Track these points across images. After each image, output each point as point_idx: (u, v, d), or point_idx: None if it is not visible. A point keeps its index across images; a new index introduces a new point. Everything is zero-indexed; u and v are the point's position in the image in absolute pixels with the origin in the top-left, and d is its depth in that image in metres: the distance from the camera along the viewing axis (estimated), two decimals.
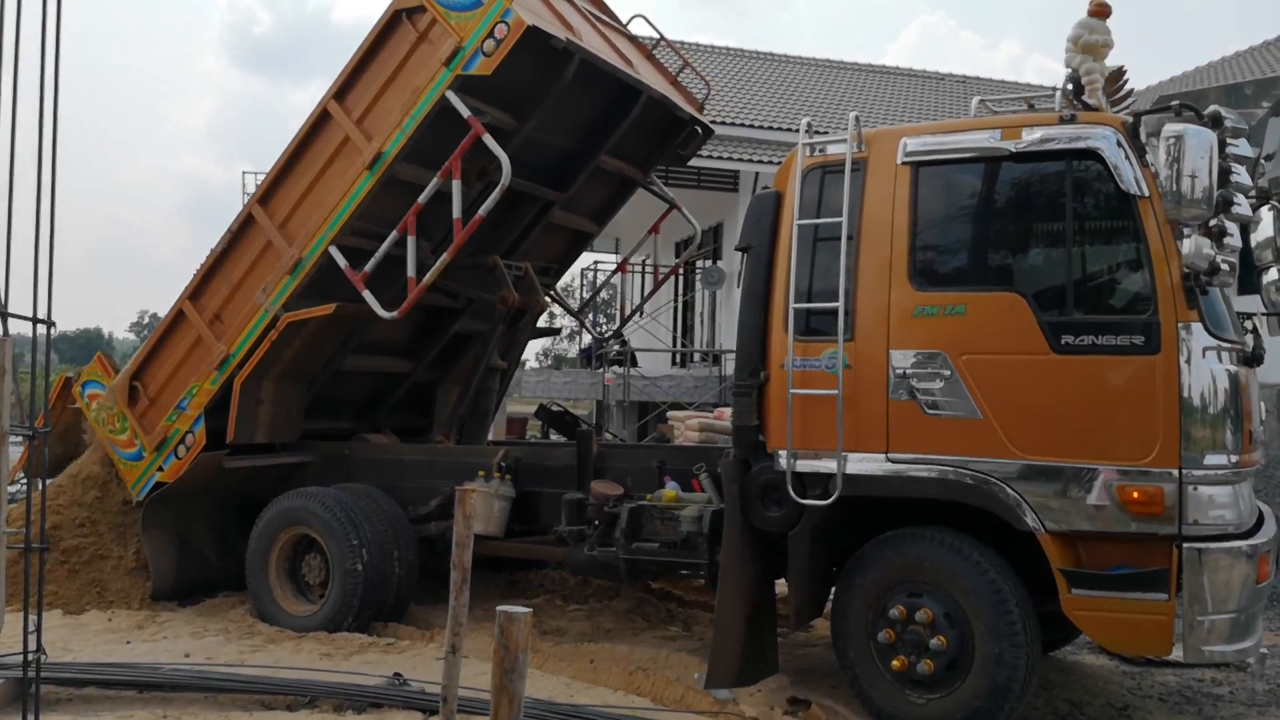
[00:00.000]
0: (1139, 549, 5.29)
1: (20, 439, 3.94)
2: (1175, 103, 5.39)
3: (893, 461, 5.74)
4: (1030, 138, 5.62)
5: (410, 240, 7.50)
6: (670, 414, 16.77)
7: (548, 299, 9.74)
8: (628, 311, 11.20)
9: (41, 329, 3.18)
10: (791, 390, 5.92)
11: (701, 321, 24.24)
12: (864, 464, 5.79)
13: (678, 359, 24.32)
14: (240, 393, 7.86)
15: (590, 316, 23.78)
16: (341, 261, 7.68)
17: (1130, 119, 5.50)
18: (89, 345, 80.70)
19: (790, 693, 6.27)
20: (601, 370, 20.22)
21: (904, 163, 5.89)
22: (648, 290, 10.44)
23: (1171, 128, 5.06)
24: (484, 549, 7.78)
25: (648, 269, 20.69)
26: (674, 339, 24.00)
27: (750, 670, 6.19)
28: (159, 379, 8.36)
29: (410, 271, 7.49)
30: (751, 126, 21.12)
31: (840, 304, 5.83)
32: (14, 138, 3.03)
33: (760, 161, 20.35)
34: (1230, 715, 6.45)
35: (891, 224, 5.85)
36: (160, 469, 8.22)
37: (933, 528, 5.73)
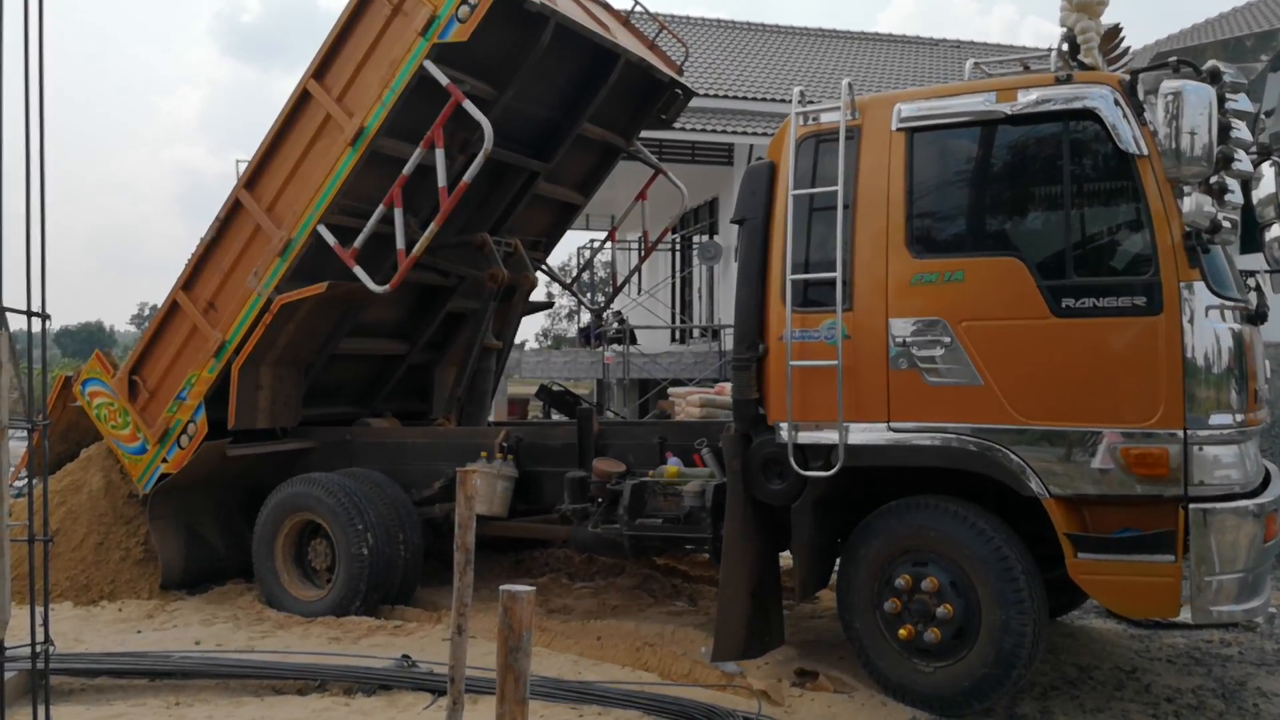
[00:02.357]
0: (1145, 511, 5.27)
1: (23, 433, 3.94)
2: (1173, 59, 5.33)
3: (895, 431, 5.71)
4: (1026, 99, 5.55)
5: (397, 213, 7.47)
6: (671, 390, 16.72)
7: (538, 274, 9.69)
8: (615, 287, 11.14)
9: (37, 322, 3.20)
10: (791, 362, 5.89)
11: (700, 297, 24.17)
12: (866, 434, 5.77)
13: (677, 335, 24.26)
14: (239, 378, 7.84)
15: (589, 295, 23.69)
16: (330, 239, 7.66)
17: (1127, 77, 5.43)
18: (90, 339, 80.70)
19: (797, 664, 6.28)
20: (601, 349, 20.15)
21: (899, 129, 5.83)
22: (611, 277, 10.44)
23: (1170, 84, 5.00)
24: (488, 529, 7.80)
25: (642, 245, 20.67)
26: (673, 315, 23.94)
27: (756, 643, 6.20)
28: (157, 371, 8.34)
29: (400, 245, 7.45)
30: (744, 99, 21.01)
31: (838, 274, 5.79)
32: (0, 135, 3.04)
33: (754, 133, 20.22)
34: (1239, 675, 6.45)
35: (887, 191, 5.80)
36: (164, 460, 8.21)
37: (937, 496, 5.72)
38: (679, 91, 9.28)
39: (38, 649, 3.19)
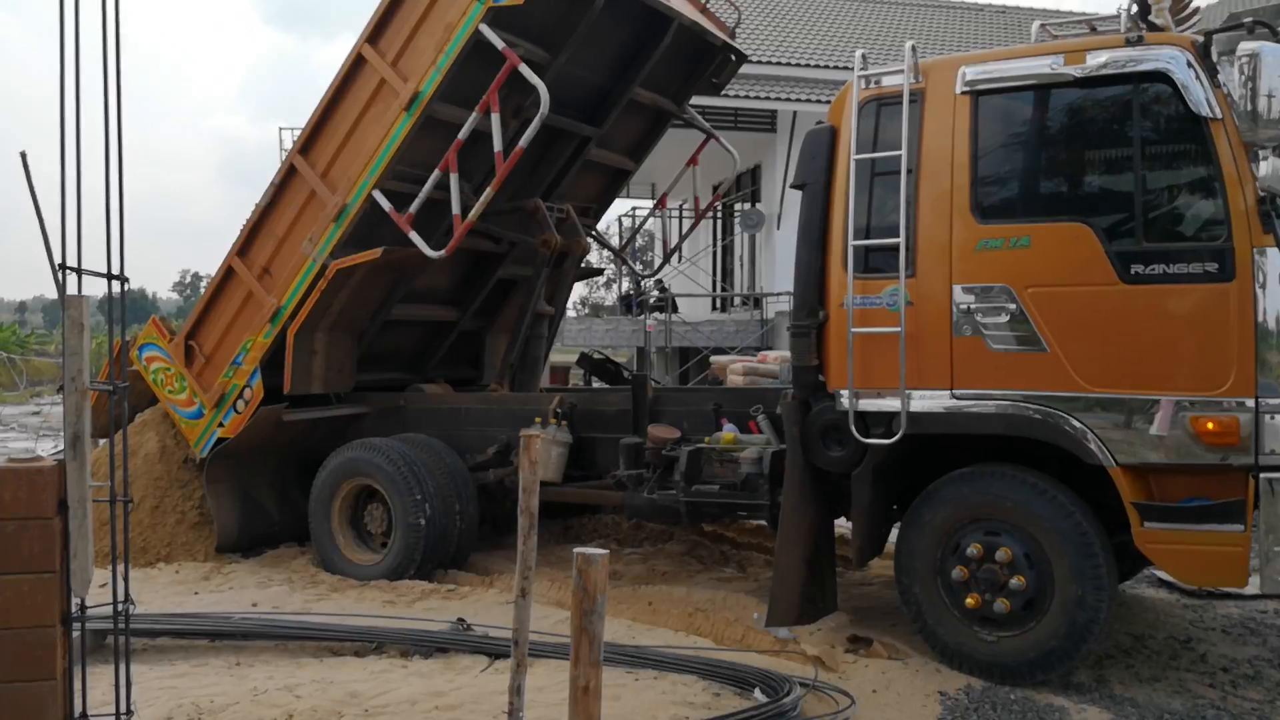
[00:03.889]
0: (1213, 480, 5.19)
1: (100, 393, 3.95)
2: (1248, 20, 5.22)
3: (958, 398, 5.65)
4: (1095, 62, 5.43)
5: (453, 178, 7.44)
6: (713, 359, 16.65)
7: (589, 240, 9.62)
8: (667, 254, 11.05)
9: (116, 285, 3.22)
10: (852, 329, 5.82)
11: (741, 265, 24.02)
12: (928, 401, 5.71)
13: (718, 304, 24.12)
14: (294, 344, 7.86)
15: (633, 263, 23.57)
16: (386, 205, 7.65)
17: (1200, 38, 5.30)
18: (134, 306, 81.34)
19: (850, 631, 6.25)
20: (642, 317, 20.08)
21: (963, 92, 5.73)
22: (662, 243, 10.33)
23: (1246, 46, 4.89)
24: (542, 495, 7.76)
25: (686, 212, 20.58)
26: (714, 283, 23.82)
27: (810, 610, 6.19)
28: (213, 337, 8.38)
29: (455, 209, 7.43)
30: (788, 65, 20.74)
31: (901, 239, 5.71)
32: (79, 92, 3.01)
33: (798, 100, 19.97)
34: None
35: (952, 156, 5.71)
36: (221, 425, 8.26)
37: (1010, 465, 5.63)
38: (731, 56, 9.17)
39: (119, 607, 3.22)
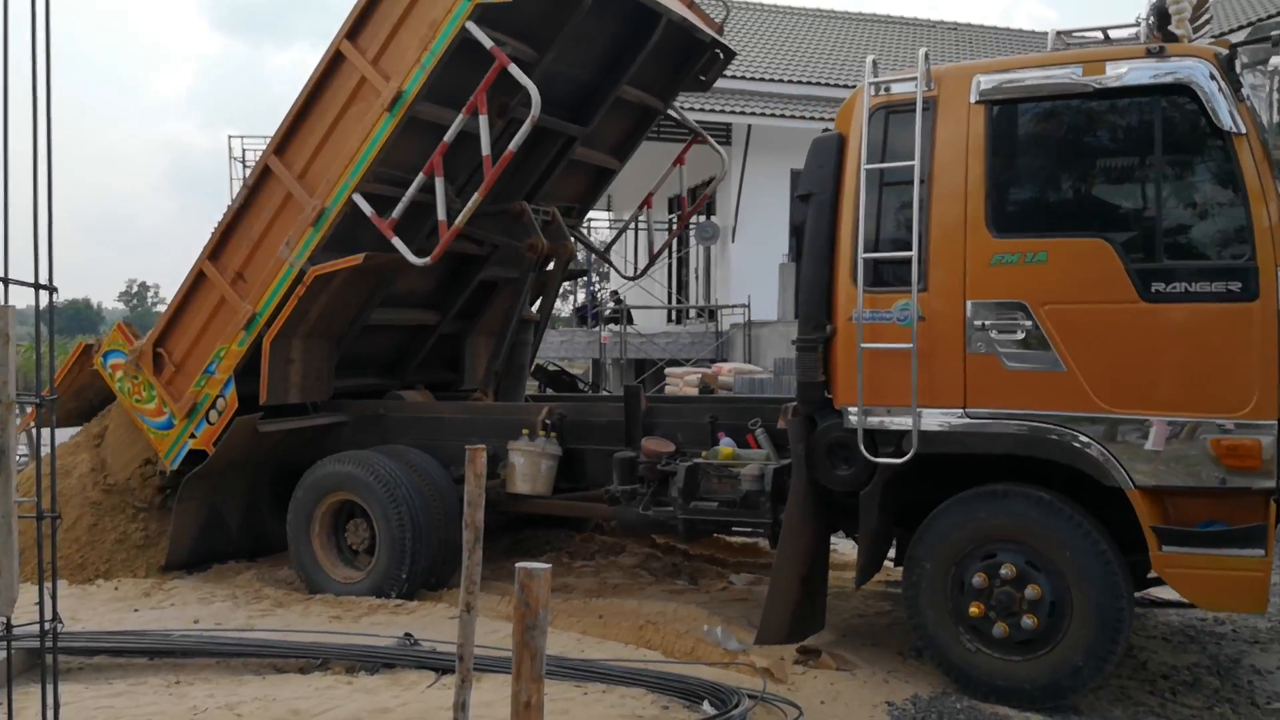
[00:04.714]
0: (1233, 504, 4.97)
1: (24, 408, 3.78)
2: (1275, 32, 4.94)
3: (971, 417, 5.32)
4: (1115, 72, 5.15)
5: (439, 182, 6.99)
6: (668, 370, 16.34)
7: (575, 243, 9.16)
8: (653, 256, 10.64)
9: (44, 295, 2.98)
10: (862, 344, 5.46)
11: (696, 277, 23.79)
12: (940, 420, 5.38)
13: (673, 315, 23.86)
14: (270, 352, 7.38)
15: (590, 277, 23.15)
16: (368, 209, 7.18)
17: (1224, 50, 5.02)
18: (78, 315, 79.32)
19: (800, 642, 6.03)
20: (598, 329, 19.70)
21: (978, 101, 5.41)
22: (649, 245, 9.92)
23: (1277, 60, 4.57)
24: (531, 508, 7.42)
25: (641, 225, 20.25)
26: (669, 295, 23.51)
27: (799, 629, 5.92)
28: (184, 344, 7.86)
29: (440, 215, 6.98)
30: (742, 78, 20.61)
31: (914, 253, 5.36)
32: (6, 100, 2.79)
33: (752, 113, 19.78)
34: (1234, 653, 6.31)
35: (966, 167, 5.40)
36: (193, 436, 7.76)
37: (1027, 485, 5.34)
38: (719, 53, 8.76)
39: (46, 627, 3.00)
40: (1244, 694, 5.63)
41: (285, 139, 7.56)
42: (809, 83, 22.18)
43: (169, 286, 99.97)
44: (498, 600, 6.83)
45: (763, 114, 20.06)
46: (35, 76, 2.84)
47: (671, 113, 9.26)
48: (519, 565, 3.17)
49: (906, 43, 25.85)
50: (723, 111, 19.28)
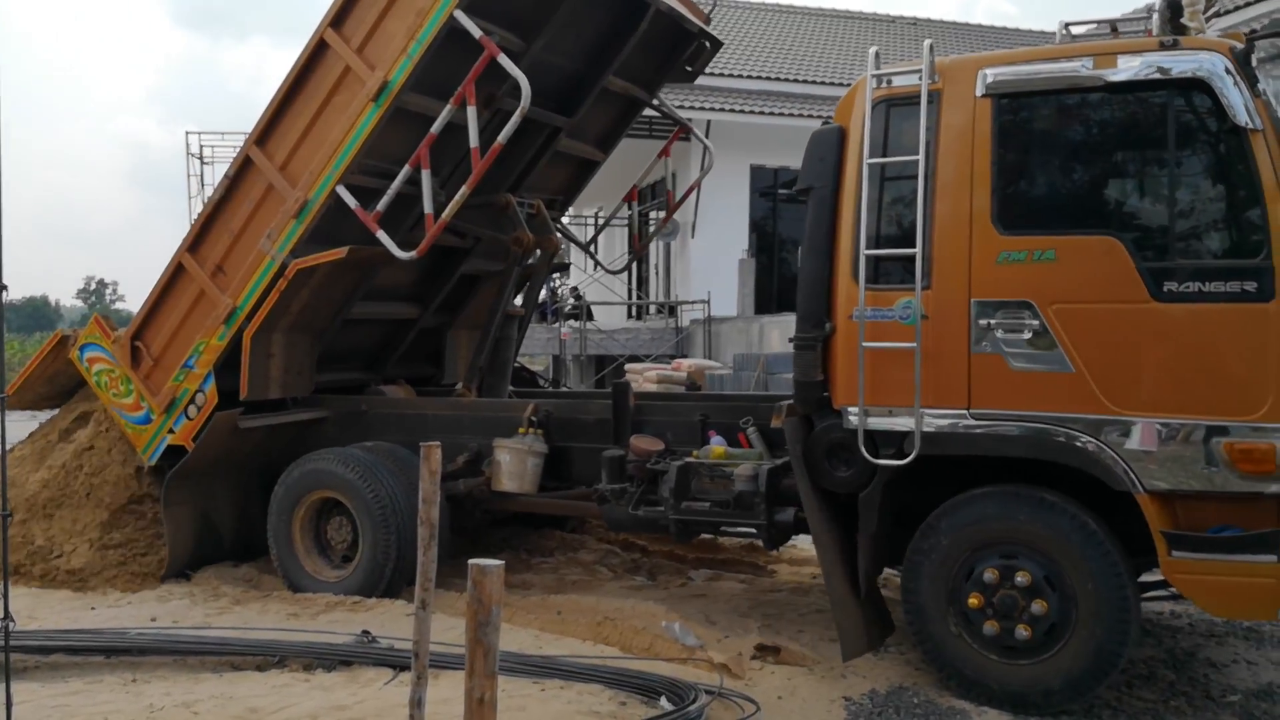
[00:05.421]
0: (1245, 509, 4.73)
1: None
2: None
3: (976, 418, 5.05)
4: (1127, 66, 4.89)
5: (425, 175, 6.66)
6: (628, 366, 16.04)
7: (560, 238, 8.79)
8: (638, 249, 10.35)
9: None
10: (863, 343, 5.16)
11: (656, 273, 23.52)
12: (944, 421, 5.10)
13: (633, 311, 23.56)
14: (250, 346, 7.02)
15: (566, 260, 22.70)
16: (351, 202, 6.82)
17: (1239, 44, 4.75)
18: (35, 314, 77.92)
19: (757, 638, 5.89)
20: (558, 325, 19.35)
21: (984, 95, 5.13)
22: (631, 238, 9.62)
23: None
24: (517, 506, 7.13)
25: (602, 219, 19.92)
26: (629, 291, 23.20)
27: (876, 633, 5.62)
28: (162, 337, 7.48)
29: (427, 208, 6.65)
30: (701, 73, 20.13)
31: (918, 250, 5.07)
32: None
33: (711, 109, 19.47)
34: (1189, 646, 6.19)
35: (971, 162, 5.12)
36: (171, 431, 7.38)
37: (1034, 488, 5.09)
38: (707, 43, 8.42)
39: None
40: (1199, 687, 5.50)
41: (267, 129, 7.20)
42: (768, 78, 21.91)
43: (127, 284, 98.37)
44: (456, 597, 6.60)
45: (722, 109, 19.77)
46: None
47: (657, 104, 8.91)
48: (471, 562, 3.12)
49: (865, 38, 25.65)
50: (682, 106, 18.93)
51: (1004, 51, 5.62)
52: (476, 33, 6.38)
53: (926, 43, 5.25)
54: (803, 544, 7.39)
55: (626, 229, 17.94)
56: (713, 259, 19.59)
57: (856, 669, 5.54)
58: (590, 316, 20.13)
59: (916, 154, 5.15)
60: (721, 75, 20.75)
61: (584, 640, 5.94)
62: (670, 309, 21.00)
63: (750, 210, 21.20)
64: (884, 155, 5.29)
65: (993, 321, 5.01)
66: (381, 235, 6.77)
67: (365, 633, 5.80)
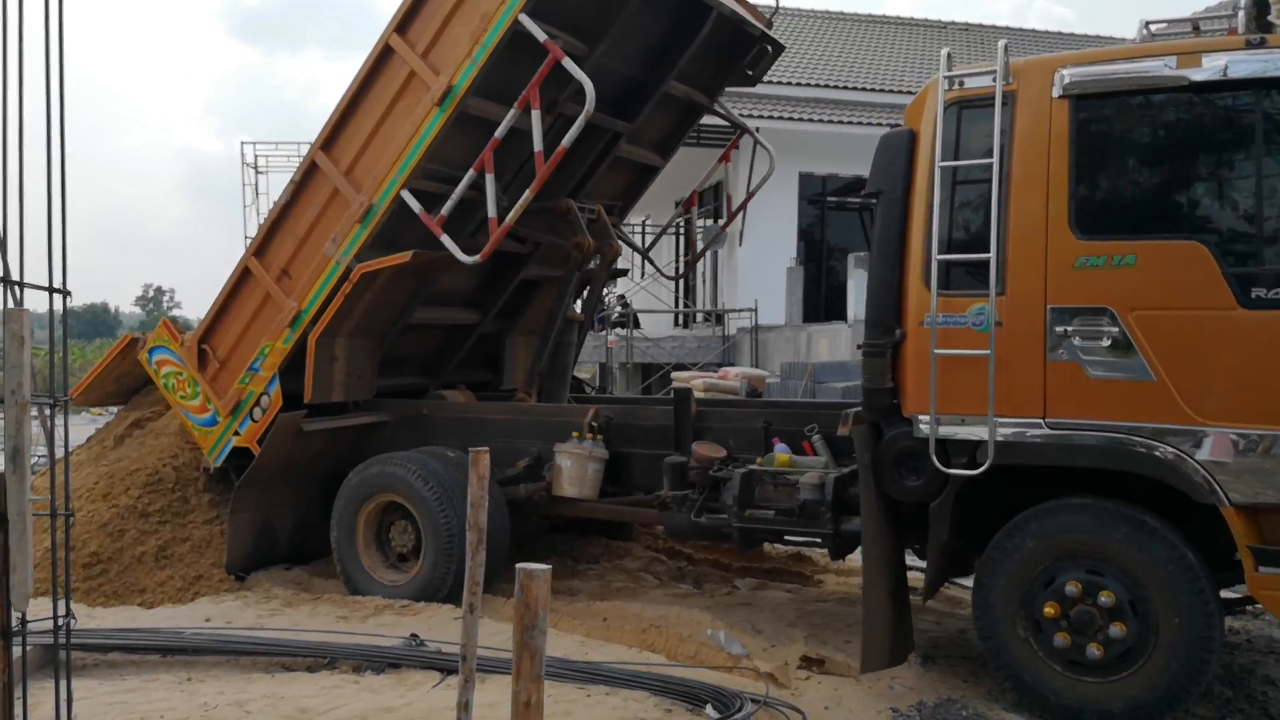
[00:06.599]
0: None
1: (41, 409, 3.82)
2: None
3: (1052, 428, 4.77)
4: (1212, 65, 4.59)
5: (489, 179, 6.52)
6: (674, 374, 15.76)
7: (619, 243, 8.59)
8: (695, 255, 10.17)
9: (58, 299, 2.94)
10: (935, 350, 4.90)
11: (703, 281, 23.16)
12: (1018, 430, 4.82)
13: (680, 320, 23.25)
14: (315, 350, 6.90)
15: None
16: (416, 206, 6.69)
17: None
18: (95, 320, 79.09)
19: (803, 648, 5.73)
20: (605, 333, 19.13)
21: (1061, 96, 4.84)
22: (688, 245, 9.40)
23: None
24: (577, 511, 6.96)
25: (650, 227, 19.58)
26: (676, 299, 22.91)
27: (900, 649, 5.38)
28: (228, 341, 7.41)
29: (491, 212, 6.51)
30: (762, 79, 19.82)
31: (992, 255, 4.81)
32: (21, 105, 2.71)
33: (759, 116, 19.10)
34: (1247, 663, 5.88)
35: (1048, 165, 4.85)
36: (236, 433, 7.31)
37: (1117, 501, 4.81)
38: (768, 47, 8.19)
39: (60, 623, 2.95)
40: (1257, 705, 5.24)
41: (332, 134, 7.10)
42: (816, 85, 21.52)
43: (184, 291, 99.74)
44: (504, 603, 6.49)
45: (770, 117, 19.38)
46: (49, 81, 2.75)
47: (717, 108, 8.68)
48: (519, 566, 3.06)
49: (915, 44, 25.13)
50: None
51: (1080, 51, 5.33)
52: (541, 36, 6.22)
53: (1001, 43, 4.99)
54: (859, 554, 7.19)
55: (674, 236, 17.86)
56: (760, 267, 19.25)
57: (905, 680, 5.35)
58: (637, 324, 19.89)
59: (990, 157, 4.89)
60: (768, 82, 20.26)
61: (629, 647, 5.83)
62: (717, 317, 20.66)
63: (799, 218, 20.87)
64: (956, 158, 5.04)
65: (1070, 328, 4.75)
66: (445, 239, 6.62)
67: (413, 636, 5.74)
